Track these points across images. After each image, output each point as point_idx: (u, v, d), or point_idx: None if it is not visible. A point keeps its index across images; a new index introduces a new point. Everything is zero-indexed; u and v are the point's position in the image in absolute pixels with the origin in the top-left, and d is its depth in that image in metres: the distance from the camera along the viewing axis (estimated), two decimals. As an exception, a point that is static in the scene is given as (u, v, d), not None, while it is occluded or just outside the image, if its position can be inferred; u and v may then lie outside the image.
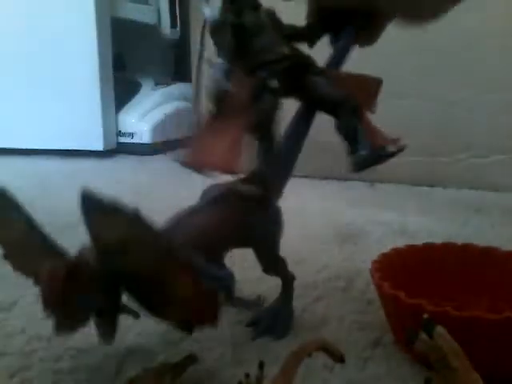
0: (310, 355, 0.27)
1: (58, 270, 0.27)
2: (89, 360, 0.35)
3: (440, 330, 0.25)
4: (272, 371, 0.27)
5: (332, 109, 0.35)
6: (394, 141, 0.34)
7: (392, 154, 0.34)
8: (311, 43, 0.37)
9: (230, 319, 0.40)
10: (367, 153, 0.34)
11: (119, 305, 0.30)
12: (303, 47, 0.36)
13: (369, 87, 0.36)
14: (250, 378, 0.26)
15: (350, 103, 0.34)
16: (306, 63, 0.35)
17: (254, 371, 0.29)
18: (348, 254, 0.57)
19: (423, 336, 0.25)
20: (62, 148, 1.26)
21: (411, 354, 0.34)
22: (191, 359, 0.31)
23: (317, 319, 0.41)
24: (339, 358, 0.28)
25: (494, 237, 0.64)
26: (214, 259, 0.33)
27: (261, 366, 0.26)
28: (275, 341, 0.37)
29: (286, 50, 0.34)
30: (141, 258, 0.26)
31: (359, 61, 1.03)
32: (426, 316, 0.26)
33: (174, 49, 1.59)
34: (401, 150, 0.34)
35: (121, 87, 1.33)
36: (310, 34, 0.37)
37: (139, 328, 0.38)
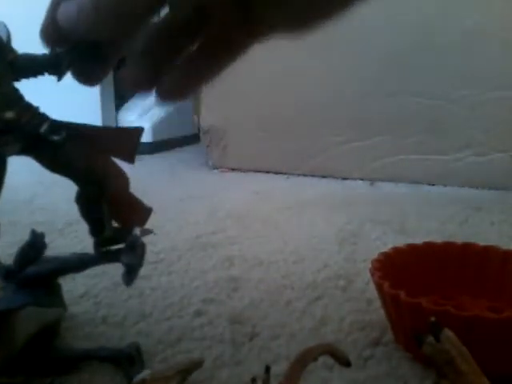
0: (315, 359, 0.27)
1: None
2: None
3: (447, 333, 0.25)
4: (272, 371, 0.27)
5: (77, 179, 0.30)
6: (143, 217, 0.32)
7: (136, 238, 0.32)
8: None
9: (229, 318, 0.40)
10: (110, 235, 0.31)
11: None
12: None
13: (128, 139, 0.32)
14: (256, 383, 0.26)
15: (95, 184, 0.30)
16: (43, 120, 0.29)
17: (254, 372, 0.29)
18: (348, 253, 0.57)
19: (430, 339, 0.25)
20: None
21: (412, 353, 0.34)
22: (197, 364, 0.31)
23: (317, 319, 0.40)
24: (345, 362, 0.28)
25: (495, 235, 0.64)
26: None
27: (267, 370, 0.26)
28: (276, 341, 0.37)
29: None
30: None
31: (361, 60, 1.03)
32: (432, 319, 0.26)
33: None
34: (148, 233, 0.32)
35: (121, 84, 1.33)
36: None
37: (138, 328, 0.38)
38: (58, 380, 0.30)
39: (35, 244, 0.33)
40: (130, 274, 0.31)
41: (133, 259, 0.31)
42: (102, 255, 0.33)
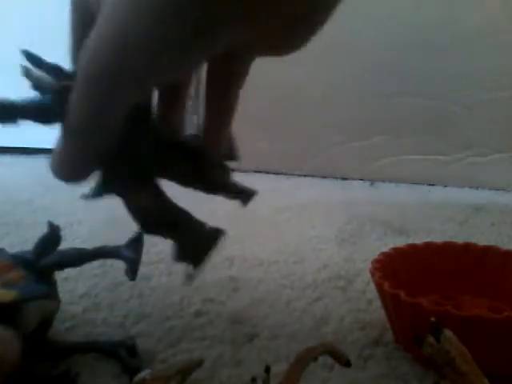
0: (315, 359, 0.27)
1: None
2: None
3: (447, 333, 0.25)
4: (272, 371, 0.27)
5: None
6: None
7: None
8: None
9: (229, 318, 0.40)
10: None
11: None
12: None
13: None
14: (256, 383, 0.26)
15: None
16: None
17: (254, 372, 0.29)
18: (348, 253, 0.57)
19: (430, 339, 0.25)
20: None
21: (412, 353, 0.34)
22: (198, 363, 0.31)
23: (317, 319, 0.40)
24: (345, 362, 0.28)
25: (494, 236, 0.64)
26: None
27: (267, 370, 0.26)
28: (276, 341, 0.37)
29: None
30: None
31: (359, 60, 1.03)
32: (433, 319, 0.26)
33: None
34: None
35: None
36: None
37: (138, 328, 0.38)
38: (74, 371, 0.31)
39: (52, 236, 0.34)
40: (133, 268, 0.32)
41: (133, 253, 0.32)
42: (101, 250, 0.33)
